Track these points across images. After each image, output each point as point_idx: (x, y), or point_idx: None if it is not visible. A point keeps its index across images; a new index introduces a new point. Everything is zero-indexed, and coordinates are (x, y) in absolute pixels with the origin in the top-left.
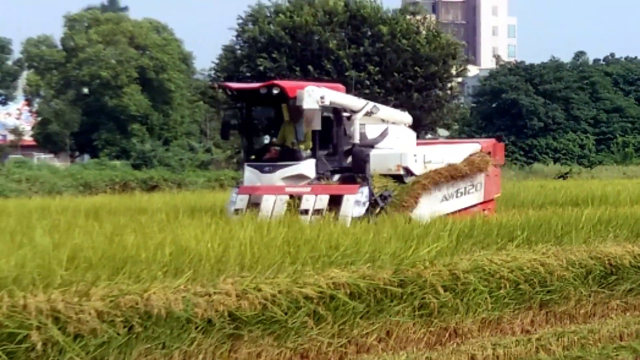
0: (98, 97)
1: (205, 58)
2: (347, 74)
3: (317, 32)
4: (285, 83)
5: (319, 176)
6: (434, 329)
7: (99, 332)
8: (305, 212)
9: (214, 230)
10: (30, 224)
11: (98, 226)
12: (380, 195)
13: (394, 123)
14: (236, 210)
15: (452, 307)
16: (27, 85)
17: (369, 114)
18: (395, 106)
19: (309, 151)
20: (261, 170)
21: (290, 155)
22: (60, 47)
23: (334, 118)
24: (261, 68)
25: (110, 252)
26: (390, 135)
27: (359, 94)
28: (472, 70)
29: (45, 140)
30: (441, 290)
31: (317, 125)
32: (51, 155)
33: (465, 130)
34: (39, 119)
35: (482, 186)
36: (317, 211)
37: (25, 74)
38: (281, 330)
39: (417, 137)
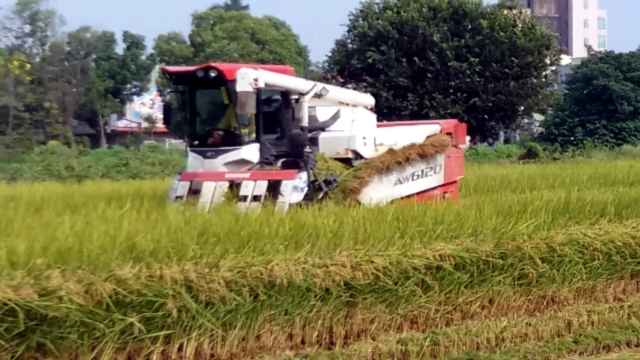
0: None
1: (319, 51)
2: (449, 64)
3: (422, 26)
4: (223, 65)
5: (263, 161)
6: (532, 297)
7: (228, 300)
8: (244, 198)
9: (330, 208)
10: (164, 203)
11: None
12: (325, 180)
13: (354, 105)
14: (177, 197)
15: (549, 277)
16: (159, 78)
17: (317, 96)
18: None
19: (253, 135)
20: (204, 155)
21: (233, 139)
22: (188, 42)
23: (282, 101)
24: (370, 60)
25: (237, 228)
26: (343, 118)
27: (461, 82)
28: (565, 60)
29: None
30: (539, 262)
31: (252, 109)
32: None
33: (559, 115)
34: None
35: (441, 168)
36: (256, 197)
37: (157, 67)
38: (392, 298)
39: (513, 121)
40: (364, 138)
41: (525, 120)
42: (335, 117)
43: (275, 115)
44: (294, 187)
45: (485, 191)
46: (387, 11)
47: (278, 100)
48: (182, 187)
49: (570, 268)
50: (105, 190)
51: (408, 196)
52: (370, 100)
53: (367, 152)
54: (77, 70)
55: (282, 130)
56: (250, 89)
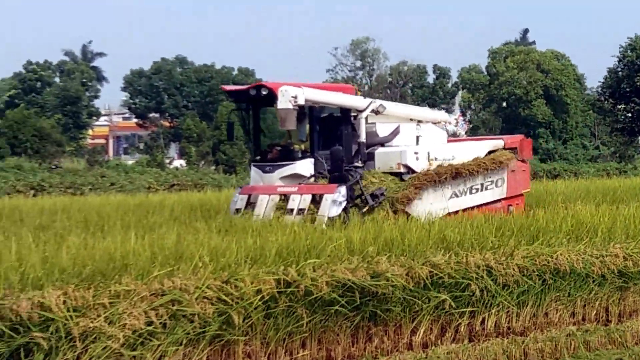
0: (514, 109)
1: (594, 78)
2: None
3: None
4: (274, 84)
5: (317, 175)
6: None
7: (521, 283)
8: (291, 211)
9: (604, 209)
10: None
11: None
12: (371, 194)
13: (426, 122)
14: (236, 210)
15: None
16: (462, 101)
17: (375, 112)
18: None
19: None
20: (263, 170)
21: (288, 155)
22: (485, 73)
23: (342, 117)
24: (638, 84)
25: (527, 224)
26: (406, 133)
27: None
28: None
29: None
30: None
31: (292, 125)
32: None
33: None
34: (471, 125)
35: (504, 182)
36: (300, 210)
37: (460, 93)
38: None
39: None
40: (415, 153)
41: None
42: (394, 132)
43: (335, 131)
44: (332, 201)
45: None
46: None
47: (338, 117)
48: (241, 200)
49: None
50: None
51: (466, 209)
52: (442, 116)
53: (419, 166)
54: (396, 96)
55: (341, 145)
56: (290, 106)
